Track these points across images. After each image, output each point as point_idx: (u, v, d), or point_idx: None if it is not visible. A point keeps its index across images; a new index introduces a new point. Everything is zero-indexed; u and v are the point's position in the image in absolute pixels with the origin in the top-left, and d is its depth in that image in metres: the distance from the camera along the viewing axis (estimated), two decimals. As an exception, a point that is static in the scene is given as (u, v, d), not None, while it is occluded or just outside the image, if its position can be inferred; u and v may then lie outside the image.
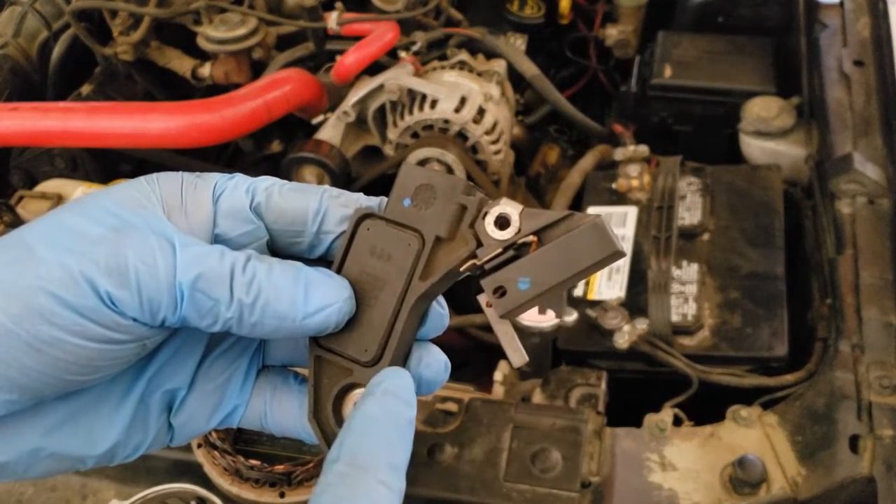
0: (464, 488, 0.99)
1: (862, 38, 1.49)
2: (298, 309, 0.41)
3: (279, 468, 0.90)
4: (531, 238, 0.41)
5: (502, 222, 0.42)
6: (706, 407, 1.12)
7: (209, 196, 0.43)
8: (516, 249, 0.42)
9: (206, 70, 1.67)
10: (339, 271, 0.44)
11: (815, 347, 1.19)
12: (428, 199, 0.43)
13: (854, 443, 0.97)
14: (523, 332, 1.18)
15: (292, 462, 0.90)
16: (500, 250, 0.42)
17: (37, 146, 1.58)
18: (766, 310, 1.26)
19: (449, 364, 0.46)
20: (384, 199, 0.46)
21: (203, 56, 1.69)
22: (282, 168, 1.55)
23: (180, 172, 0.44)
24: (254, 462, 0.90)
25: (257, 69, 1.70)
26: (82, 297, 0.37)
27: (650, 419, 1.07)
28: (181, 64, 1.70)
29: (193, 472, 0.97)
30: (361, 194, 0.46)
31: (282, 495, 0.91)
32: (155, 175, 0.43)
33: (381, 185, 1.58)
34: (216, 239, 0.43)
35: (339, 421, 0.44)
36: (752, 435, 1.03)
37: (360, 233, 0.44)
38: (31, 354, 0.37)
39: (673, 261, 1.30)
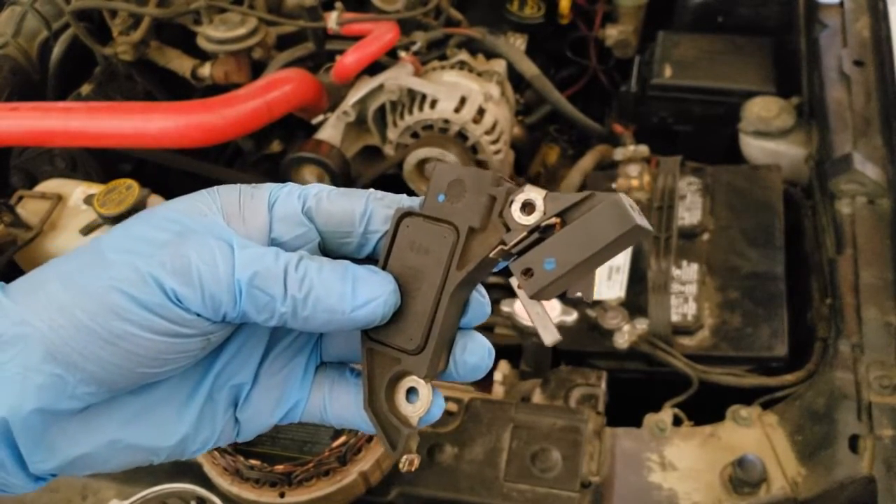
0: (464, 488, 0.99)
1: (862, 38, 1.49)
2: (347, 302, 0.44)
3: (279, 468, 0.90)
4: (554, 220, 0.43)
5: (528, 207, 0.44)
6: (706, 407, 1.12)
7: (265, 203, 0.46)
8: (542, 232, 0.43)
9: (206, 70, 1.67)
10: (384, 267, 0.47)
11: (815, 347, 1.19)
12: (460, 193, 0.46)
13: (854, 443, 0.97)
14: (523, 333, 1.18)
15: (292, 462, 0.90)
16: (525, 234, 0.43)
17: (37, 146, 1.58)
18: (766, 310, 1.26)
19: (493, 350, 0.48)
20: (424, 198, 0.48)
21: (203, 56, 1.69)
22: (282, 168, 1.55)
23: (238, 185, 0.47)
24: (254, 462, 0.89)
25: (257, 69, 1.70)
26: (151, 294, 0.41)
27: (650, 419, 1.07)
28: (181, 64, 1.70)
29: (193, 472, 0.97)
30: (404, 195, 0.48)
31: (282, 495, 0.91)
32: (215, 188, 0.47)
33: (381, 186, 1.57)
34: (272, 242, 0.46)
35: (392, 408, 0.47)
36: (752, 435, 1.03)
37: (400, 230, 0.47)
38: (106, 348, 0.41)
39: (673, 261, 1.30)
